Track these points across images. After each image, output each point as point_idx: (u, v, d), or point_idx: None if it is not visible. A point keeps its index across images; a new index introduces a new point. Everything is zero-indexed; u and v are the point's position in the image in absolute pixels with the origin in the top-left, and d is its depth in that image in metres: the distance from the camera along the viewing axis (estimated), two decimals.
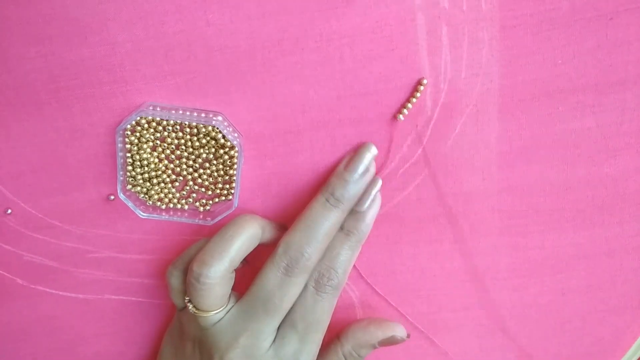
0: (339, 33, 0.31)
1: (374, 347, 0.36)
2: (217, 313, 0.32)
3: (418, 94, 0.32)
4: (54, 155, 0.34)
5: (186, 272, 0.33)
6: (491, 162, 0.34)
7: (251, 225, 0.32)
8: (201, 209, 0.35)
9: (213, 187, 0.35)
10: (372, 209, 0.33)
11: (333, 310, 0.34)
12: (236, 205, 0.34)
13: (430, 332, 0.39)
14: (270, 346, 0.32)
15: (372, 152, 0.33)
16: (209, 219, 0.35)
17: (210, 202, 0.35)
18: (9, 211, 0.36)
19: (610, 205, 0.35)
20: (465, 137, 0.33)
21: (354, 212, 0.33)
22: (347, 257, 0.33)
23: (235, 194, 0.34)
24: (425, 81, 0.32)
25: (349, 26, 0.31)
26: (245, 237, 0.32)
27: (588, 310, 0.38)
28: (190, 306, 0.32)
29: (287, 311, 0.32)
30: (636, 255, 0.36)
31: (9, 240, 0.37)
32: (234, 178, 0.34)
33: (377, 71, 0.32)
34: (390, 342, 0.36)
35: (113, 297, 0.39)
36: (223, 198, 0.35)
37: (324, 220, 0.32)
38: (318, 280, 0.32)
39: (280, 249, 0.32)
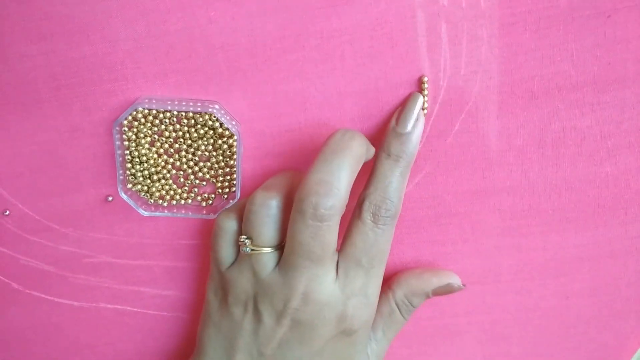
0: (339, 30, 0.31)
1: (428, 296, 0.35)
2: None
3: (426, 92, 0.32)
4: (54, 154, 0.34)
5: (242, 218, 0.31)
6: (491, 160, 0.34)
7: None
8: (204, 203, 0.35)
9: (214, 180, 0.34)
10: (417, 129, 0.32)
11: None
12: (239, 197, 0.34)
13: (434, 338, 0.38)
14: (335, 284, 0.31)
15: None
16: (212, 214, 0.34)
17: (213, 195, 0.35)
18: (7, 212, 0.35)
19: (612, 206, 0.35)
20: (464, 135, 0.33)
21: (399, 135, 0.32)
22: (399, 183, 0.32)
23: (237, 186, 0.34)
24: (426, 79, 0.32)
25: (349, 24, 0.31)
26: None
27: (592, 314, 0.37)
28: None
29: (334, 250, 0.31)
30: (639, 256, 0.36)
31: (6, 242, 0.36)
32: (235, 169, 0.34)
33: (377, 68, 0.32)
34: (445, 290, 0.35)
35: (108, 305, 0.38)
36: (226, 190, 0.34)
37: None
38: (375, 213, 0.31)
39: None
